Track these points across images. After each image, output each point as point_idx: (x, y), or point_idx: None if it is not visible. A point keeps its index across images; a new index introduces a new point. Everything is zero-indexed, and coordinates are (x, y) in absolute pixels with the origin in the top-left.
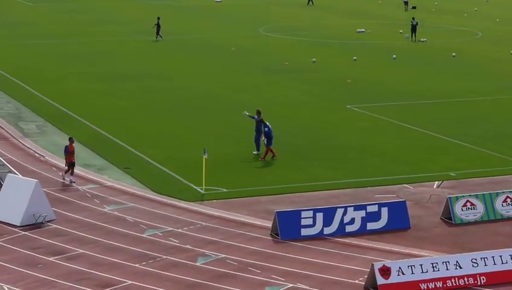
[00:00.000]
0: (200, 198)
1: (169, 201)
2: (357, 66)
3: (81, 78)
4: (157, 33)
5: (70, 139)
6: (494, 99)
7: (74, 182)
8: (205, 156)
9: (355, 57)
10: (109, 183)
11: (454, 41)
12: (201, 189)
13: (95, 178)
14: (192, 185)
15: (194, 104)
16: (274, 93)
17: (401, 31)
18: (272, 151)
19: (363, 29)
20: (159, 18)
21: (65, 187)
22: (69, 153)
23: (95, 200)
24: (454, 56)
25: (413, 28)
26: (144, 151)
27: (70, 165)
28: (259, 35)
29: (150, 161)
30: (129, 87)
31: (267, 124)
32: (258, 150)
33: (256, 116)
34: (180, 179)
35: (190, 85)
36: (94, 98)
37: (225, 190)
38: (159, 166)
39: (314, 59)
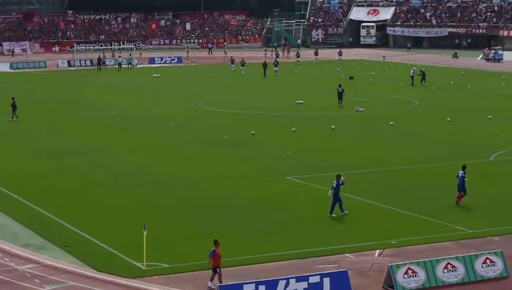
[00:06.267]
0: (141, 274)
1: (110, 279)
2: (296, 137)
3: (18, 157)
4: (13, 112)
5: (216, 243)
6: (431, 167)
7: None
8: (145, 232)
9: (294, 128)
10: (49, 263)
11: (392, 110)
12: (143, 265)
13: (34, 257)
14: (133, 261)
15: (134, 179)
16: (214, 167)
17: (339, 103)
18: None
19: (301, 101)
20: (13, 98)
21: (4, 268)
22: (216, 256)
23: (35, 280)
24: (392, 125)
25: (340, 95)
26: (83, 229)
27: (216, 269)
28: (198, 109)
29: (90, 238)
30: (67, 164)
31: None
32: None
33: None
34: (121, 255)
35: (129, 160)
36: (31, 176)
37: (166, 266)
38: (99, 243)
39: (253, 131)
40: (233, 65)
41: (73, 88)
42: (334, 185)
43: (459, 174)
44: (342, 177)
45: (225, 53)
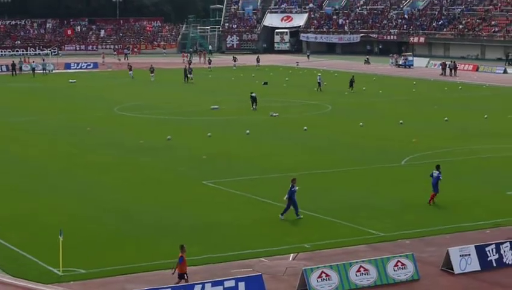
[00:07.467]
0: (57, 280)
1: (26, 284)
2: (211, 142)
3: None
4: None
5: (182, 248)
6: (345, 171)
7: None
8: (61, 238)
9: (209, 133)
10: None
11: (305, 115)
12: (59, 271)
13: None
14: (49, 267)
15: (49, 184)
16: (129, 172)
17: (253, 107)
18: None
19: (216, 106)
20: None
21: None
22: (183, 263)
23: None
24: (305, 129)
25: (254, 99)
26: None
27: (184, 276)
28: (114, 114)
29: (5, 243)
30: None
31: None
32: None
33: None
34: (37, 261)
35: (45, 165)
36: None
37: (83, 271)
38: (14, 248)
39: (169, 136)
40: (131, 72)
41: None
42: (288, 189)
43: (434, 174)
44: (296, 182)
45: (119, 60)
